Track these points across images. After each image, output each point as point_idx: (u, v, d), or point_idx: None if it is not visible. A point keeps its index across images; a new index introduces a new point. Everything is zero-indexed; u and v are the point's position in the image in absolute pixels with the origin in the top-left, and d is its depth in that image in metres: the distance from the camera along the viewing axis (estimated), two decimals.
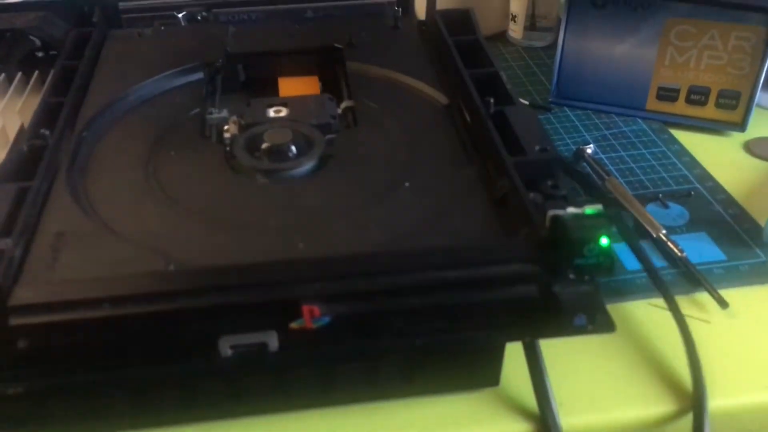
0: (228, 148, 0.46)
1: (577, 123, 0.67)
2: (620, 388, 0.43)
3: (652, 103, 0.67)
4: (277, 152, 0.44)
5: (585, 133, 0.66)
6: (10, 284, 0.34)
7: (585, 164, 0.60)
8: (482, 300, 0.36)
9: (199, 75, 0.52)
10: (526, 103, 0.70)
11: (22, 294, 0.33)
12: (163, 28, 0.57)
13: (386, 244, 0.38)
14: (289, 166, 0.43)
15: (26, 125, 0.48)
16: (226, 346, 0.35)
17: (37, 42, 0.57)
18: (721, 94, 0.64)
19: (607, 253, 0.34)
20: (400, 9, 0.61)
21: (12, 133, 0.48)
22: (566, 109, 0.69)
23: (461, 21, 0.56)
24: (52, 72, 0.52)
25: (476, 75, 0.48)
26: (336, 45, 0.56)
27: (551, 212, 0.35)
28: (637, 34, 0.64)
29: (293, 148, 0.44)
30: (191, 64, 0.53)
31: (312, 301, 0.34)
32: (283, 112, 0.48)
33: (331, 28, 0.59)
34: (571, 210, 0.35)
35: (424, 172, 0.43)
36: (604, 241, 0.34)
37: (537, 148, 0.41)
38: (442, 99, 0.50)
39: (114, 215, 0.40)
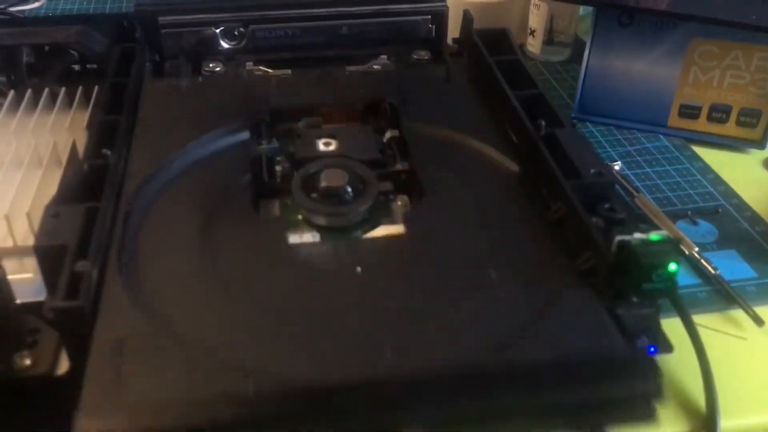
0: (288, 201, 0.45)
1: (600, 139, 0.69)
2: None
3: (674, 120, 0.68)
4: (335, 195, 0.44)
5: (609, 149, 0.67)
6: (92, 307, 0.34)
7: None
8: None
9: (245, 135, 0.50)
10: None
11: (88, 425, 0.31)
12: (200, 79, 0.56)
13: (485, 350, 0.35)
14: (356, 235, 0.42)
15: (77, 142, 0.49)
16: None
17: (76, 56, 0.57)
18: (742, 113, 0.66)
19: (674, 277, 0.35)
20: (434, 26, 0.62)
21: (63, 150, 0.49)
22: (589, 124, 0.71)
23: (498, 40, 0.57)
24: (97, 89, 0.53)
25: (521, 96, 0.49)
26: (391, 102, 0.53)
27: (618, 238, 0.36)
28: (661, 52, 0.66)
29: (349, 191, 0.44)
30: (235, 125, 0.50)
31: (415, 428, 0.32)
32: (333, 145, 0.49)
33: (377, 81, 0.57)
34: (637, 235, 0.36)
35: (505, 255, 0.41)
36: (672, 266, 0.35)
37: (592, 171, 0.42)
38: (513, 166, 0.48)
39: (175, 313, 0.37)
